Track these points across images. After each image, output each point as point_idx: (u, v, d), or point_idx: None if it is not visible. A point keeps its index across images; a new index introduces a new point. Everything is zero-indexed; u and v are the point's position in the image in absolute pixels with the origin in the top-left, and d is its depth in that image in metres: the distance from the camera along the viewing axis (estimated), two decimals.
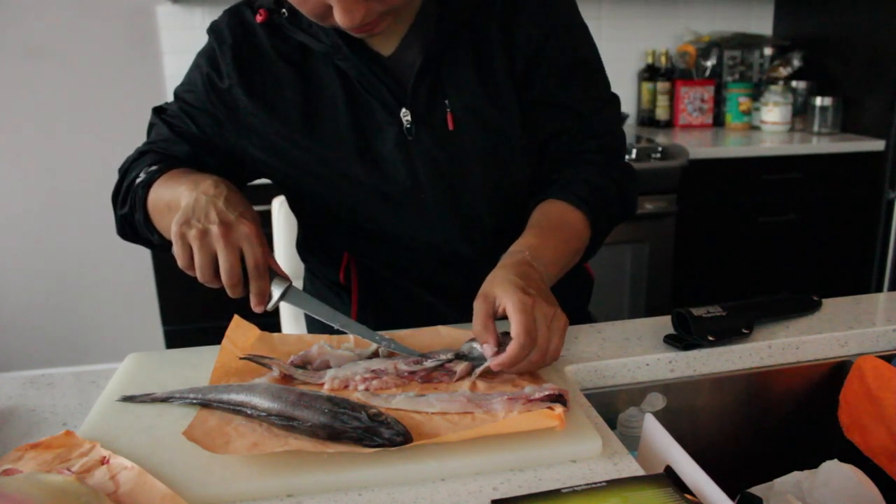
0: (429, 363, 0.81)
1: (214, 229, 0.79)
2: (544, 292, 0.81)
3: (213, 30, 0.99)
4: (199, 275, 0.80)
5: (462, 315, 0.97)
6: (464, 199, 0.99)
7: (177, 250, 0.80)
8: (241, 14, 0.98)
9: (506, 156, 0.98)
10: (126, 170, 1.00)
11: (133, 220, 0.97)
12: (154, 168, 0.94)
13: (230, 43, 0.96)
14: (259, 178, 1.05)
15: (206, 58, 0.98)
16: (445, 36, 0.93)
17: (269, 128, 0.97)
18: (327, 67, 0.95)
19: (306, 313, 0.83)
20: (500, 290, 0.79)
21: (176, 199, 0.86)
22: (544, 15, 0.97)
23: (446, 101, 0.94)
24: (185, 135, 0.99)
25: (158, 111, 1.03)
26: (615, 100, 1.05)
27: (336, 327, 0.84)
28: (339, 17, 0.79)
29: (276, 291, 0.82)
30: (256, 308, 0.83)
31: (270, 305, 0.83)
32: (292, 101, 0.96)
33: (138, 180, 0.94)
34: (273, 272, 0.83)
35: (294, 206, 1.12)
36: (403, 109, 0.94)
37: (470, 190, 0.99)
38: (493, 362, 0.76)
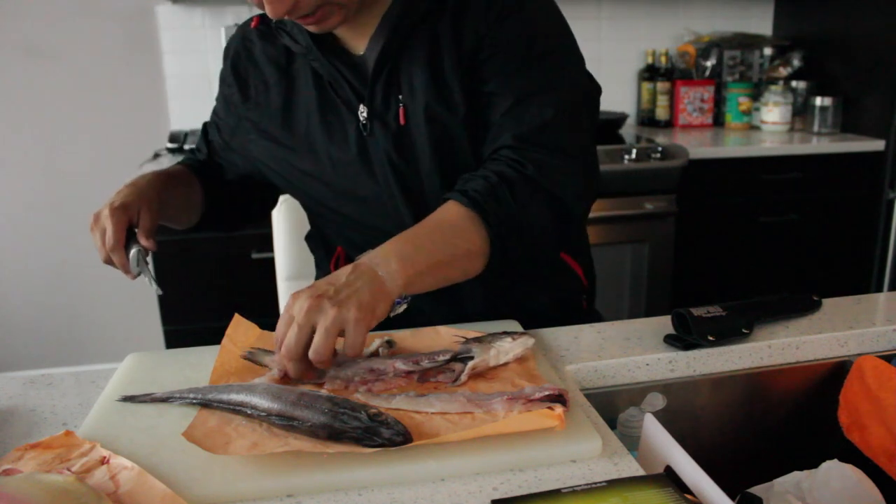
0: (426, 363, 0.81)
1: (93, 218, 0.95)
2: (337, 285, 0.75)
3: (225, 47, 1.11)
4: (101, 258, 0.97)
5: (440, 306, 1.01)
6: (416, 191, 1.00)
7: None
8: (245, 26, 1.08)
9: (453, 152, 0.98)
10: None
11: None
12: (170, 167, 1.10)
13: (232, 55, 1.08)
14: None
15: (221, 70, 1.11)
16: (401, 33, 0.94)
17: (260, 130, 1.05)
18: (305, 69, 1.00)
19: None
20: None
21: None
22: (488, 8, 0.93)
23: (400, 97, 0.96)
24: (210, 143, 1.15)
25: (206, 124, 1.18)
26: (573, 89, 0.96)
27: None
28: (266, 9, 0.83)
29: (132, 255, 0.95)
30: (126, 276, 0.96)
31: (137, 271, 0.95)
32: (275, 102, 1.03)
33: None
34: (133, 242, 0.96)
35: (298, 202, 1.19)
36: (361, 106, 0.97)
37: (421, 183, 0.99)
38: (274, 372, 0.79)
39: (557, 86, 0.94)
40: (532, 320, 1.02)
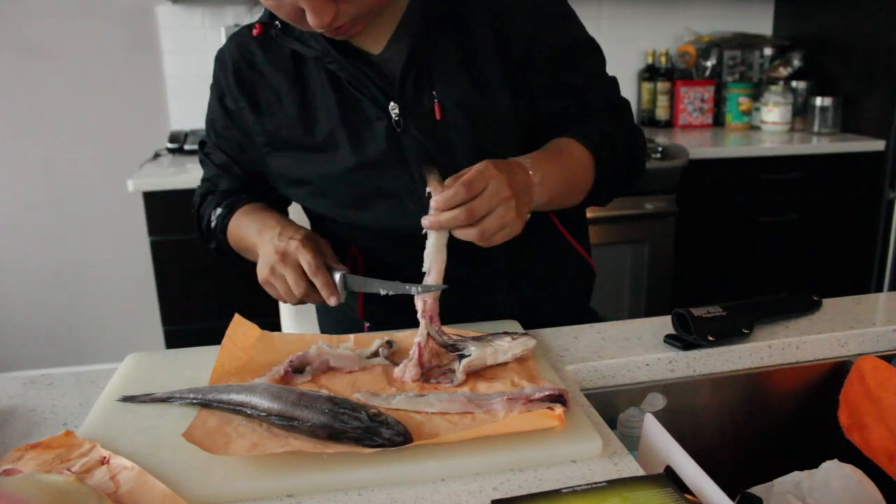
0: (434, 329, 0.82)
1: (275, 259, 0.92)
2: (520, 187, 0.82)
3: (217, 58, 1.06)
4: (290, 300, 0.93)
5: (463, 305, 0.99)
6: None
7: (271, 293, 0.95)
8: (240, 37, 1.05)
9: (494, 143, 0.99)
10: (198, 215, 1.14)
11: (224, 252, 1.12)
12: (219, 212, 1.08)
13: (232, 69, 1.03)
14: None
15: (215, 84, 1.06)
16: (429, 28, 0.95)
17: (278, 140, 1.02)
18: (319, 72, 0.99)
19: (371, 291, 0.91)
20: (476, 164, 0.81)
21: (252, 248, 1.01)
22: (532, 9, 0.99)
23: (434, 92, 0.96)
24: (225, 167, 1.10)
25: (202, 146, 1.13)
26: (614, 79, 1.08)
27: (413, 292, 0.85)
28: (310, 19, 0.83)
29: (338, 279, 0.92)
30: (329, 300, 0.91)
31: (342, 294, 0.92)
32: (291, 110, 1.00)
33: (213, 224, 1.09)
34: (332, 268, 0.93)
35: (305, 209, 1.15)
36: (392, 103, 0.96)
37: None
38: (431, 203, 0.78)
39: (604, 68, 1.07)
40: (553, 311, 1.04)
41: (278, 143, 1.03)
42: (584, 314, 1.17)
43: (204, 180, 1.15)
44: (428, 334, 0.82)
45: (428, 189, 0.80)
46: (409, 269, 1.07)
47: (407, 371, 0.81)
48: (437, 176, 0.79)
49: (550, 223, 1.09)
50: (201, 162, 1.14)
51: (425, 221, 0.79)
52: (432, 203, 0.78)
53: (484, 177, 0.78)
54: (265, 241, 0.96)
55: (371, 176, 0.99)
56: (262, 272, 0.94)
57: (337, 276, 0.92)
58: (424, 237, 0.81)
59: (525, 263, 1.07)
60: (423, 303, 0.82)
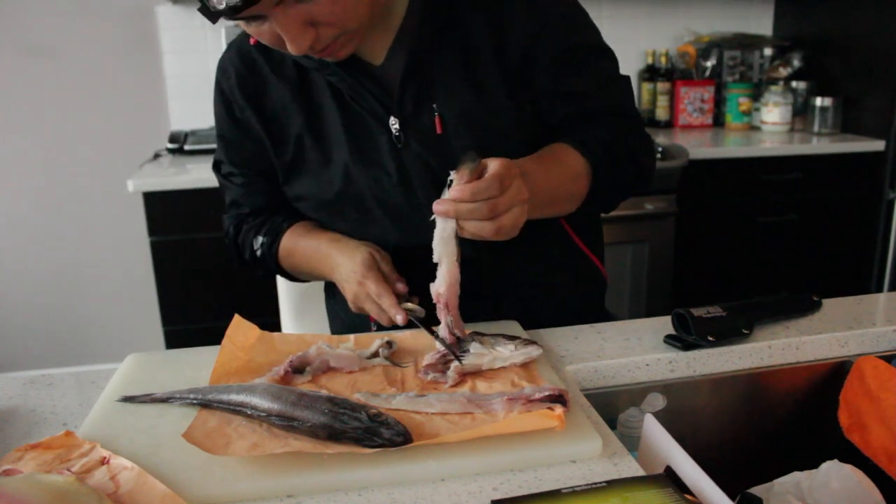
0: (448, 319, 0.82)
1: (352, 300, 0.95)
2: (530, 190, 0.81)
3: (219, 67, 1.04)
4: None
5: (470, 317, 0.98)
6: None
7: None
8: (239, 44, 1.02)
9: (497, 154, 0.97)
10: (237, 245, 1.11)
11: (274, 275, 1.13)
12: (262, 240, 1.06)
13: (235, 77, 1.01)
14: None
15: (220, 94, 1.04)
16: (428, 40, 0.93)
17: (282, 152, 1.00)
18: (320, 83, 0.96)
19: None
20: (492, 160, 0.78)
21: (325, 276, 1.02)
22: (533, 10, 0.96)
23: (434, 106, 0.94)
24: (247, 185, 1.07)
25: (217, 168, 1.10)
26: (625, 78, 1.04)
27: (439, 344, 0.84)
28: (289, 46, 0.80)
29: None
30: (397, 320, 0.90)
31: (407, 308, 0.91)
32: (297, 120, 0.98)
33: (259, 253, 1.06)
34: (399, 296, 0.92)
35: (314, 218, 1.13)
36: (392, 118, 0.94)
37: None
38: (452, 191, 0.76)
39: (615, 69, 1.04)
40: (560, 317, 1.03)
41: (284, 153, 1.01)
42: (596, 315, 1.16)
43: (230, 206, 1.12)
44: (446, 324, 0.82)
45: (451, 177, 0.76)
46: (412, 281, 1.07)
47: (432, 356, 0.83)
48: (472, 165, 0.76)
49: (561, 229, 1.07)
50: (221, 186, 1.12)
51: (439, 207, 0.75)
52: (453, 191, 0.75)
53: (511, 174, 0.77)
54: (334, 270, 0.97)
55: (373, 190, 0.97)
56: (353, 308, 0.96)
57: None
58: (427, 252, 0.79)
59: (534, 271, 1.06)
60: (437, 293, 0.81)
